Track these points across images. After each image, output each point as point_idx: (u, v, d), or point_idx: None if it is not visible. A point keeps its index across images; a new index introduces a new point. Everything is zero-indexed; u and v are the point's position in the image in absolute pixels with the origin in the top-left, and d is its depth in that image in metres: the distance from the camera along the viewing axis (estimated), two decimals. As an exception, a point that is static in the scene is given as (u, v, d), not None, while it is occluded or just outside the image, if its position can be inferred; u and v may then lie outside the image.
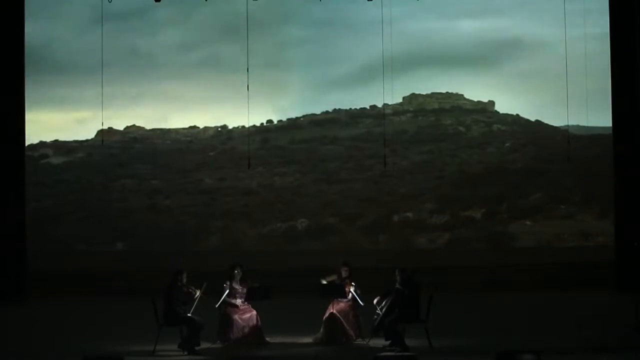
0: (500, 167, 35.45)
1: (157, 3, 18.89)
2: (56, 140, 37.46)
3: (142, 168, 36.38)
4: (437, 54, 37.02)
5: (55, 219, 32.83)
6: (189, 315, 13.04)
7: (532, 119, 38.32)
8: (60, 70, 35.47)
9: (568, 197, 33.33)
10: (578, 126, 29.86)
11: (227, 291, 13.45)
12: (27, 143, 22.14)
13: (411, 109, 39.43)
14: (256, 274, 14.04)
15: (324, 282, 13.78)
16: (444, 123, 38.69)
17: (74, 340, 14.06)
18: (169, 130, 38.65)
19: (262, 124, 38.36)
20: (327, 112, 39.05)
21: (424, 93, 39.29)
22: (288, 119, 39.06)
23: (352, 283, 13.71)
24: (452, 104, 39.38)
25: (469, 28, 37.05)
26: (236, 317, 13.44)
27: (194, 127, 38.70)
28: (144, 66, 36.08)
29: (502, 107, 39.11)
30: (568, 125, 22.85)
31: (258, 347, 13.29)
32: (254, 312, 13.54)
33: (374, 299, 13.30)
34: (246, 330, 13.43)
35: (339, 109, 38.86)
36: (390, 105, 37.03)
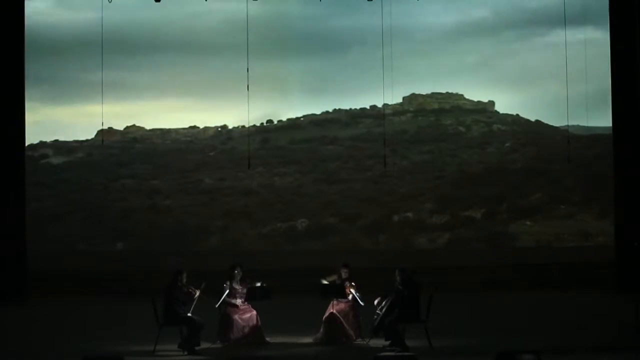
0: (500, 167, 35.44)
1: (157, 3, 18.90)
2: (56, 140, 37.45)
3: (142, 168, 36.38)
4: (437, 54, 37.02)
5: (55, 219, 32.82)
6: (189, 315, 13.05)
7: (532, 119, 38.33)
8: (61, 70, 35.50)
9: (568, 197, 33.31)
10: (578, 126, 29.87)
11: (227, 291, 13.46)
12: (27, 143, 22.13)
13: (411, 109, 39.43)
14: (256, 274, 14.03)
15: (325, 282, 13.79)
16: (444, 123, 38.69)
17: (74, 340, 14.07)
18: (169, 130, 38.65)
19: (262, 124, 38.37)
20: (327, 112, 39.05)
21: (424, 93, 39.30)
22: (288, 119, 39.07)
23: (353, 283, 13.71)
24: (452, 104, 39.37)
25: (469, 28, 37.05)
26: (236, 317, 13.45)
27: (194, 127, 38.71)
28: (144, 66, 36.13)
29: (502, 107, 39.15)
30: (568, 125, 22.86)
31: (258, 347, 13.30)
32: (254, 312, 13.54)
33: (374, 300, 13.31)
34: (246, 330, 13.43)
35: (339, 109, 38.86)
36: (390, 105, 37.01)
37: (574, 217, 32.66)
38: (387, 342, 12.99)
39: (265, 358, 12.89)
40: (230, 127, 38.23)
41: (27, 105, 20.80)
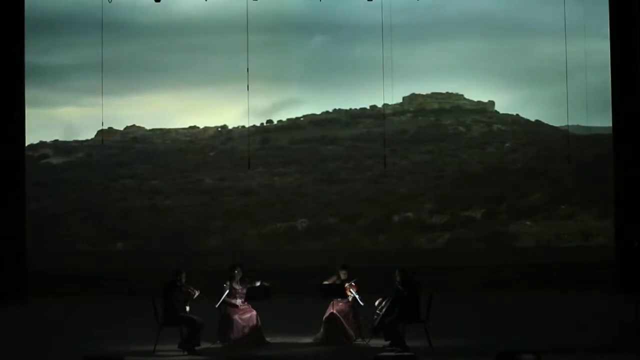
0: (500, 167, 35.43)
1: (157, 3, 18.90)
2: (56, 140, 37.45)
3: (142, 168, 36.37)
4: (437, 54, 36.99)
5: (55, 219, 32.81)
6: (189, 315, 13.05)
7: (532, 119, 38.31)
8: (61, 70, 35.49)
9: (568, 197, 33.30)
10: (578, 126, 29.86)
11: (227, 291, 13.46)
12: (27, 143, 22.12)
13: (411, 109, 39.41)
14: (256, 274, 14.04)
15: (326, 282, 13.81)
16: (444, 123, 38.68)
17: (74, 340, 14.07)
18: (169, 130, 38.64)
19: (262, 124, 38.35)
20: (327, 112, 39.02)
21: (424, 93, 39.29)
22: (288, 119, 39.06)
23: (353, 283, 13.71)
24: (452, 104, 39.36)
25: (469, 28, 37.01)
26: (236, 317, 13.44)
27: (194, 127, 38.69)
28: (144, 66, 36.11)
29: (502, 107, 39.12)
30: (568, 125, 22.85)
31: (258, 347, 13.30)
32: (254, 312, 13.54)
33: (375, 300, 13.31)
34: (246, 330, 13.43)
35: (339, 109, 38.85)
36: (390, 105, 36.99)
37: (574, 217, 32.65)
38: (387, 342, 12.99)
39: (265, 358, 12.89)
40: (230, 127, 38.23)
41: (27, 105, 20.81)
